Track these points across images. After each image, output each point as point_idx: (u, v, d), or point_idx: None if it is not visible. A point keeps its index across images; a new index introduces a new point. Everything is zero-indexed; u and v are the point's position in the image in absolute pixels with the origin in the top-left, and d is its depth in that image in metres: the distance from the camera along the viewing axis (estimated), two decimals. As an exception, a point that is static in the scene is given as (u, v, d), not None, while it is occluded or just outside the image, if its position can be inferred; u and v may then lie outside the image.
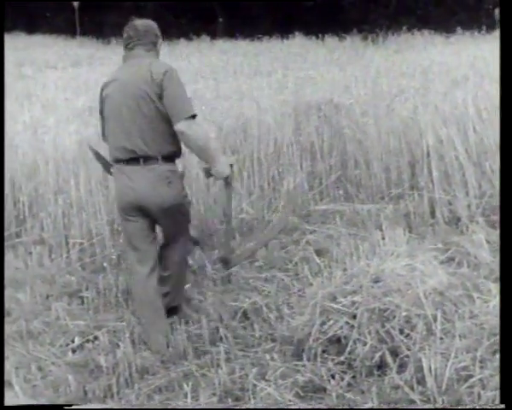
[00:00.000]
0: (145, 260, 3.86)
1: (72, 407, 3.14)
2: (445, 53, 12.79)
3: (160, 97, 3.64)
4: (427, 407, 3.01)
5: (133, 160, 3.72)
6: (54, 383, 3.46)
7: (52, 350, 3.79)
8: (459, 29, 17.43)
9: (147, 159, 3.70)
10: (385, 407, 3.06)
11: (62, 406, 3.13)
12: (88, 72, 12.33)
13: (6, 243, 5.44)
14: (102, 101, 3.91)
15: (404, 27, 19.24)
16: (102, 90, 3.93)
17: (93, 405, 3.27)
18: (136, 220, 3.82)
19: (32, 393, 3.38)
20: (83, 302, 4.37)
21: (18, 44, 20.04)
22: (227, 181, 3.98)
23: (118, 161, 3.80)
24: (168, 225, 3.89)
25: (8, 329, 4.07)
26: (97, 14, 27.75)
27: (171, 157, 3.78)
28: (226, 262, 4.05)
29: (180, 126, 3.60)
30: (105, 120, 3.92)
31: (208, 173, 3.90)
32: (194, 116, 3.64)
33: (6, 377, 3.49)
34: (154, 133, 3.69)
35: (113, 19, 27.63)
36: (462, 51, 12.21)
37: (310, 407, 3.12)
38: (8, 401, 3.26)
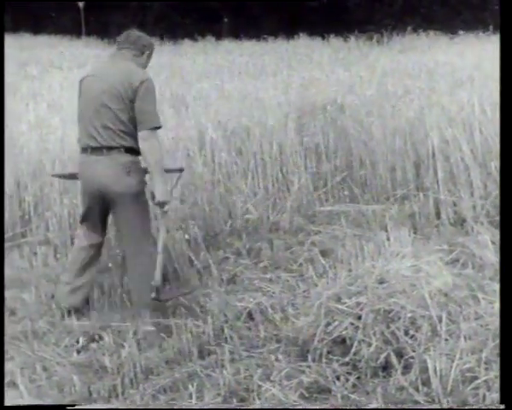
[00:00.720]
0: (89, 237, 4.25)
1: (75, 408, 3.14)
2: (450, 53, 12.78)
3: (132, 101, 3.94)
4: (432, 407, 3.01)
5: (97, 149, 4.01)
6: (59, 384, 3.46)
7: (57, 350, 3.80)
8: (464, 29, 17.41)
9: (110, 149, 3.98)
10: (390, 407, 3.05)
11: (65, 406, 3.13)
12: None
13: (11, 243, 5.46)
14: (80, 92, 4.21)
15: (409, 28, 19.22)
16: (81, 82, 4.23)
17: (96, 405, 3.27)
18: (94, 209, 4.16)
19: (37, 393, 3.39)
20: (88, 302, 4.37)
21: (23, 44, 20.05)
22: (163, 209, 4.05)
23: (84, 149, 4.09)
24: (126, 218, 4.06)
25: (14, 329, 4.08)
26: (103, 14, 27.77)
27: (133, 150, 4.01)
28: (157, 292, 4.06)
29: (142, 134, 3.93)
30: (79, 109, 4.19)
31: (153, 196, 4.01)
32: (157, 128, 4.00)
33: (11, 378, 3.49)
34: (118, 127, 3.97)
35: (119, 19, 27.70)
36: (468, 51, 12.20)
37: (315, 407, 3.12)
38: (13, 401, 3.26)
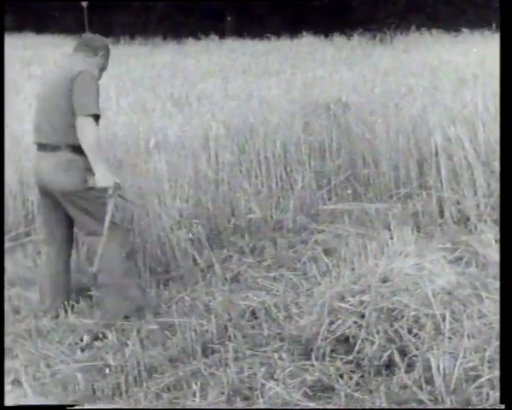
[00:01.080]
0: (51, 241, 4.33)
1: (75, 408, 3.14)
2: (453, 52, 12.76)
3: (72, 93, 4.02)
4: (430, 407, 3.01)
5: (43, 146, 4.15)
6: (63, 382, 3.47)
7: (61, 348, 3.81)
8: (468, 27, 17.37)
9: (53, 147, 4.09)
10: (394, 406, 3.05)
11: (65, 406, 3.13)
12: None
13: (15, 242, 5.46)
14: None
15: (413, 26, 19.20)
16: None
17: (96, 405, 3.27)
18: (45, 203, 4.29)
19: (41, 391, 3.40)
20: (91, 300, 4.38)
21: (27, 44, 20.10)
22: (108, 193, 4.03)
23: (35, 145, 4.27)
24: (73, 212, 4.17)
25: (18, 327, 4.09)
26: (106, 13, 27.79)
27: (76, 148, 4.04)
28: (95, 278, 4.20)
29: (78, 121, 3.97)
30: (33, 108, 4.44)
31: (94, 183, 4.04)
32: (96, 117, 4.03)
33: (15, 376, 3.50)
34: (63, 125, 4.06)
35: (122, 18, 27.75)
36: (471, 50, 12.18)
37: (318, 406, 3.12)
38: (17, 399, 3.27)
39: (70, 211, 4.18)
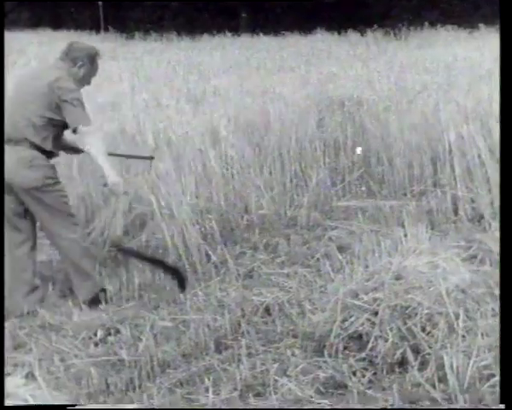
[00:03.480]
0: (23, 240, 4.35)
1: (76, 408, 3.14)
2: (468, 48, 12.69)
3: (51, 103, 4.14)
4: (448, 406, 3.00)
5: (8, 141, 4.20)
6: (76, 376, 3.48)
7: (75, 343, 3.82)
8: (483, 23, 17.26)
9: (16, 142, 4.17)
10: (406, 404, 3.05)
11: (65, 406, 3.14)
12: (111, 66, 12.42)
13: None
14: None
15: (427, 22, 19.11)
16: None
17: (97, 405, 3.27)
18: (10, 200, 4.26)
19: (55, 385, 3.41)
20: (105, 295, 4.40)
21: (43, 40, 20.16)
22: (119, 191, 4.28)
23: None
24: (35, 209, 4.24)
25: (32, 322, 4.12)
26: (121, 10, 27.89)
27: (38, 147, 4.17)
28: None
29: (81, 132, 4.12)
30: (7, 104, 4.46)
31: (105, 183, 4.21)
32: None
33: (29, 369, 3.52)
34: (28, 123, 4.15)
35: (137, 15, 27.84)
36: (486, 46, 12.10)
37: (331, 403, 3.12)
38: (32, 392, 3.29)
39: (35, 210, 4.27)
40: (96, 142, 4.18)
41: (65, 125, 4.22)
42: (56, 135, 4.29)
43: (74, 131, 4.14)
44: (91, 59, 4.43)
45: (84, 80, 4.42)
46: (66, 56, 4.37)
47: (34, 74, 4.56)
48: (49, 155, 4.28)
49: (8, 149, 4.19)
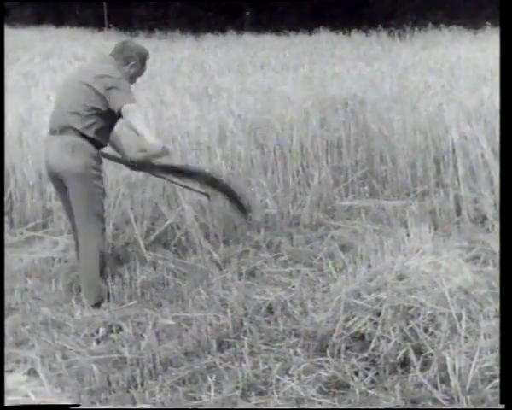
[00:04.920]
0: (72, 229, 4.46)
1: (79, 408, 3.14)
2: (472, 48, 12.66)
3: (99, 94, 4.18)
4: (450, 406, 3.00)
5: (52, 130, 4.28)
6: (78, 373, 3.48)
7: (77, 340, 3.82)
8: (488, 24, 17.20)
9: (62, 130, 4.21)
10: (408, 405, 3.05)
11: (69, 406, 3.13)
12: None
13: (33, 234, 5.50)
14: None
15: (432, 22, 19.07)
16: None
17: (98, 405, 3.27)
18: (58, 191, 4.41)
19: (57, 382, 3.41)
20: (108, 293, 4.39)
21: (46, 36, 20.18)
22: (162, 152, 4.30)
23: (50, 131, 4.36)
24: (72, 198, 4.23)
25: (34, 318, 4.12)
26: (125, 7, 27.88)
27: (82, 134, 4.19)
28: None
29: (126, 109, 4.11)
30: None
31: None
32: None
33: (31, 366, 3.52)
34: (72, 111, 4.20)
35: (141, 12, 27.83)
36: (491, 47, 12.07)
37: (333, 403, 3.12)
38: (34, 388, 3.29)
39: (70, 195, 4.27)
40: (138, 115, 4.20)
41: (112, 117, 4.26)
42: (104, 126, 4.29)
43: (120, 114, 4.15)
44: (142, 59, 4.49)
45: (132, 80, 4.46)
46: (119, 54, 4.41)
47: (84, 68, 4.71)
48: (95, 143, 4.26)
49: (53, 138, 4.25)
